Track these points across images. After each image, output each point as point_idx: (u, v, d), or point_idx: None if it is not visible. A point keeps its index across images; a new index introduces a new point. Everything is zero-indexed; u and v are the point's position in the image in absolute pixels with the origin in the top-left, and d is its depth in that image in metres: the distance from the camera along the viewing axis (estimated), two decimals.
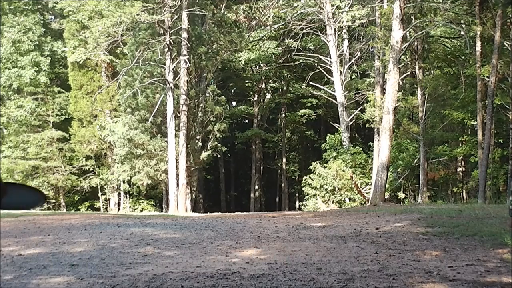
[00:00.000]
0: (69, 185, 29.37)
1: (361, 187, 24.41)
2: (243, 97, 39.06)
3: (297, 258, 7.09)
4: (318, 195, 24.93)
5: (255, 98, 36.54)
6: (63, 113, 30.48)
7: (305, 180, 25.94)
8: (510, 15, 20.76)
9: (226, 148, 30.79)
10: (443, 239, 8.32)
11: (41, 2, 31.46)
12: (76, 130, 28.94)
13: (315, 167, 25.39)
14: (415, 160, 24.18)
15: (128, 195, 29.66)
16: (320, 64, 30.08)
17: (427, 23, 21.75)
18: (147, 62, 24.77)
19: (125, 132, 24.98)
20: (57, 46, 30.96)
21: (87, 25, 25.79)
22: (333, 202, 24.63)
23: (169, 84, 24.17)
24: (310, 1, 30.24)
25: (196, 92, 27.20)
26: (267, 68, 35.22)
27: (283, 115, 36.94)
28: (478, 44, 20.54)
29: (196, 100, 27.27)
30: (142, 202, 29.40)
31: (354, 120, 29.19)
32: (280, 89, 37.83)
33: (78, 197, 30.08)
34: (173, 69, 24.47)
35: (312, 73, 30.51)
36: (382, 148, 19.31)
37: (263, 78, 36.12)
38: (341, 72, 28.27)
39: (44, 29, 30.20)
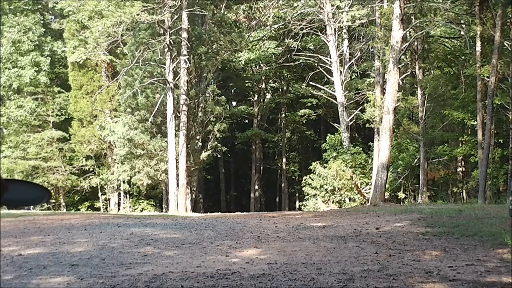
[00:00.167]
0: (69, 185, 29.37)
1: (361, 187, 24.41)
2: (243, 97, 39.06)
3: (297, 258, 7.09)
4: (318, 195, 24.93)
5: (255, 98, 36.54)
6: (63, 113, 30.49)
7: (305, 180, 25.94)
8: (510, 15, 20.76)
9: (226, 148, 30.78)
10: (443, 239, 8.32)
11: (41, 2, 31.46)
12: (76, 130, 28.94)
13: (315, 167, 25.39)
14: (415, 160, 24.17)
15: (128, 195, 29.66)
16: (320, 64, 30.08)
17: (427, 23, 21.75)
18: (147, 62, 24.77)
19: (125, 132, 24.98)
20: (57, 46, 30.97)
21: (87, 25, 25.78)
22: (333, 202, 24.63)
23: (169, 84, 24.17)
24: (310, 1, 30.24)
25: (196, 92, 27.19)
26: (267, 68, 35.22)
27: (283, 115, 36.94)
28: (478, 44, 20.54)
29: (196, 100, 27.27)
30: (142, 202, 29.41)
31: (354, 120, 29.19)
32: (280, 89, 37.83)
33: (78, 197, 30.08)
34: (173, 69, 24.47)
35: (312, 73, 30.52)
36: (382, 148, 19.31)
37: (263, 78, 36.12)
38: (341, 72, 28.27)
39: (44, 29, 30.20)
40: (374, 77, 27.49)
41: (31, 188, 1.64)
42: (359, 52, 29.08)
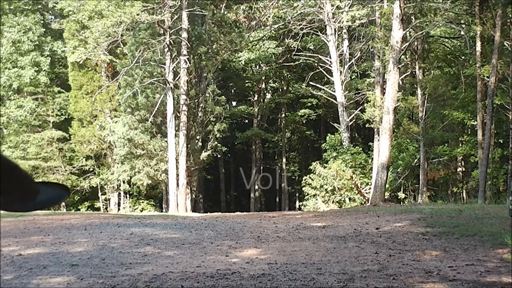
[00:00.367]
0: (69, 185, 29.33)
1: (361, 187, 24.41)
2: (243, 97, 39.06)
3: (297, 258, 7.09)
4: (318, 195, 24.93)
5: (255, 98, 36.54)
6: (63, 113, 30.49)
7: (305, 180, 25.94)
8: (510, 15, 20.76)
9: (226, 148, 30.79)
10: (443, 239, 8.32)
11: (41, 2, 31.47)
12: (76, 130, 28.95)
13: (315, 167, 25.39)
14: (415, 160, 24.17)
15: (128, 195, 29.66)
16: (320, 64, 30.09)
17: (427, 23, 21.75)
18: (147, 62, 24.77)
19: (125, 132, 24.98)
20: (57, 46, 30.97)
21: (87, 25, 25.79)
22: (333, 202, 24.63)
23: (169, 84, 24.18)
24: (310, 1, 30.24)
25: (196, 92, 27.20)
26: (267, 68, 35.22)
27: (283, 115, 36.94)
28: (478, 44, 20.54)
29: (196, 100, 27.27)
30: (142, 202, 29.41)
31: (354, 120, 29.20)
32: (280, 89, 37.83)
33: (78, 197, 30.06)
34: (173, 69, 24.47)
35: (312, 73, 30.52)
36: (382, 148, 19.32)
37: (263, 78, 36.12)
38: (341, 72, 28.27)
39: (44, 29, 30.21)
40: (374, 77, 27.49)
41: (50, 187, 1.65)
42: (359, 52, 29.08)
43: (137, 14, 22.47)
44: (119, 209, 29.07)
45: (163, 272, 6.32)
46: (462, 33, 23.68)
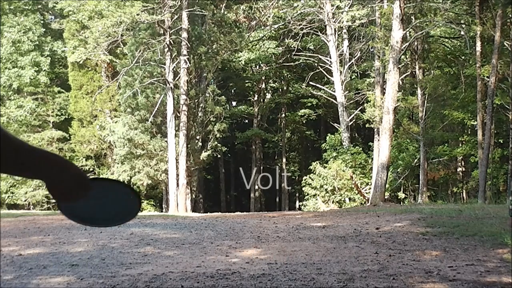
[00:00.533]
0: None
1: (361, 187, 24.41)
2: (243, 97, 39.05)
3: (297, 258, 7.09)
4: (318, 195, 24.93)
5: (255, 98, 36.54)
6: (63, 113, 30.49)
7: (305, 180, 25.94)
8: (510, 15, 20.77)
9: (226, 148, 30.78)
10: (443, 239, 8.32)
11: (41, 2, 31.47)
12: (76, 130, 28.94)
13: (315, 167, 25.39)
14: (415, 160, 24.18)
15: None
16: (320, 64, 30.09)
17: (427, 23, 21.76)
18: (147, 62, 24.77)
19: (125, 132, 24.98)
20: (57, 46, 30.97)
21: (87, 25, 25.79)
22: (333, 202, 24.63)
23: (169, 84, 24.18)
24: (310, 1, 30.24)
25: (196, 92, 27.19)
26: (267, 68, 35.22)
27: (283, 115, 36.94)
28: (478, 44, 20.54)
29: (196, 100, 27.27)
30: (142, 202, 29.37)
31: (354, 120, 29.20)
32: (280, 89, 37.82)
33: None
34: (173, 69, 24.47)
35: (312, 73, 30.51)
36: (382, 148, 19.32)
37: (263, 78, 36.11)
38: (341, 72, 28.27)
39: (44, 29, 30.22)
40: (374, 77, 27.50)
41: (121, 190, 1.40)
42: (359, 52, 29.09)
43: (137, 14, 22.47)
44: None
45: (163, 272, 6.32)
46: (462, 33, 23.69)
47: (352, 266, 6.42)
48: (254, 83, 36.28)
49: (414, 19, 22.49)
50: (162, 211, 26.91)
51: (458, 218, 10.84)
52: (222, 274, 6.11)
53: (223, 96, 29.07)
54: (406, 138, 24.81)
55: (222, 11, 27.78)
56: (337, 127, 29.00)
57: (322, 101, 33.01)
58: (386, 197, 20.35)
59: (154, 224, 11.86)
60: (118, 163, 26.45)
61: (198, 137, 27.17)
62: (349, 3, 27.93)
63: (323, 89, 30.54)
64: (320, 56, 29.89)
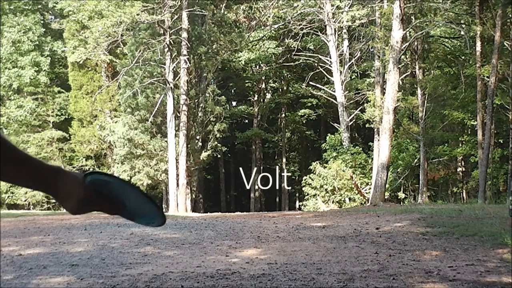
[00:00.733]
0: None
1: (361, 187, 24.41)
2: (243, 97, 39.05)
3: (297, 258, 7.09)
4: (318, 195, 24.93)
5: (255, 98, 36.54)
6: (63, 113, 30.49)
7: (305, 180, 25.94)
8: (510, 15, 20.77)
9: (226, 148, 30.78)
10: (443, 239, 8.32)
11: (41, 2, 31.47)
12: (76, 130, 28.94)
13: (315, 167, 25.39)
14: (415, 160, 24.18)
15: None
16: (320, 64, 30.09)
17: (427, 23, 21.76)
18: (147, 62, 24.77)
19: (125, 132, 24.98)
20: (57, 46, 30.97)
21: (87, 25, 25.79)
22: (333, 202, 24.63)
23: (169, 84, 24.18)
24: (310, 1, 30.24)
25: (196, 92, 27.19)
26: (267, 68, 35.22)
27: (283, 115, 36.94)
28: (478, 44, 20.54)
29: (196, 100, 27.26)
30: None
31: (354, 120, 29.19)
32: (280, 89, 37.82)
33: None
34: (173, 69, 24.47)
35: (312, 73, 30.51)
36: (382, 148, 19.32)
37: (263, 78, 36.11)
38: (341, 72, 28.27)
39: (44, 29, 30.21)
40: (374, 77, 27.50)
41: (145, 204, 1.44)
42: (359, 52, 29.08)
43: (137, 14, 22.47)
44: None
45: (163, 272, 6.32)
46: (462, 33, 23.69)
47: (352, 266, 6.42)
48: (254, 83, 36.28)
49: (414, 19, 22.48)
50: None
51: (458, 218, 10.84)
52: (222, 274, 6.11)
53: (223, 96, 29.07)
54: (406, 138, 24.81)
55: (222, 11, 27.78)
56: (337, 127, 28.99)
57: (322, 101, 33.00)
58: (386, 197, 20.35)
59: None
60: (118, 163, 26.45)
61: (198, 137, 27.17)
62: (349, 3, 27.93)
63: (323, 89, 30.54)
64: (320, 56, 29.89)
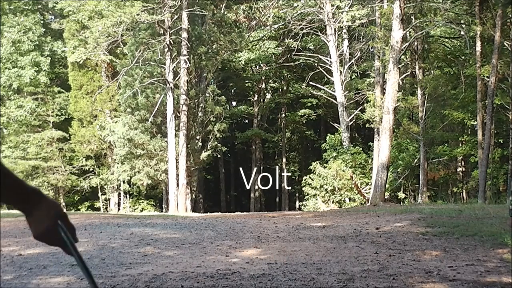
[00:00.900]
0: (69, 185, 29.37)
1: (361, 187, 24.41)
2: (243, 97, 39.05)
3: (297, 258, 7.09)
4: (318, 195, 24.93)
5: (255, 98, 36.55)
6: (63, 113, 30.48)
7: (305, 180, 25.94)
8: (510, 15, 20.76)
9: (226, 148, 30.78)
10: (443, 239, 8.32)
11: (41, 2, 31.46)
12: (76, 130, 28.94)
13: (315, 167, 25.39)
14: (415, 160, 24.18)
15: (128, 195, 29.65)
16: (320, 64, 30.09)
17: (427, 23, 21.75)
18: (147, 62, 24.77)
19: (125, 132, 24.98)
20: (57, 46, 30.96)
21: (87, 25, 25.79)
22: (333, 202, 24.64)
23: (169, 84, 24.18)
24: (310, 1, 30.24)
25: (196, 92, 27.20)
26: (267, 68, 35.22)
27: (283, 115, 36.94)
28: (478, 44, 20.54)
29: (196, 100, 27.27)
30: (142, 202, 29.39)
31: (354, 120, 29.20)
32: (280, 89, 37.83)
33: (78, 197, 30.07)
34: (173, 69, 24.47)
35: (312, 73, 30.52)
36: (382, 148, 19.31)
37: (263, 78, 36.12)
38: (341, 72, 28.27)
39: (44, 29, 30.20)
40: (374, 77, 27.50)
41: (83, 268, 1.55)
42: (359, 52, 29.08)
43: (137, 14, 22.47)
44: (119, 209, 29.06)
45: (163, 272, 6.32)
46: (462, 33, 23.69)
47: (352, 266, 6.42)
48: (254, 83, 36.29)
49: (414, 19, 22.48)
50: (162, 211, 26.92)
51: (458, 218, 10.84)
52: (222, 274, 6.11)
53: (223, 96, 29.07)
54: (406, 138, 24.81)
55: (222, 11, 27.78)
56: (337, 127, 29.00)
57: (322, 101, 33.01)
58: (386, 197, 20.35)
59: (154, 224, 11.85)
60: (118, 163, 26.46)
61: (198, 137, 27.17)
62: (349, 3, 27.93)
63: (323, 89, 30.54)
64: (320, 56, 29.89)
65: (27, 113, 28.75)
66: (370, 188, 22.66)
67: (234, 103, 39.13)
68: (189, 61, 24.77)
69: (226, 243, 8.64)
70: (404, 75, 25.20)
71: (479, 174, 19.83)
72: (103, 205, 29.84)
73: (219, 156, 34.00)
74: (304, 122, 36.46)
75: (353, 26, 28.33)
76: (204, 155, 26.89)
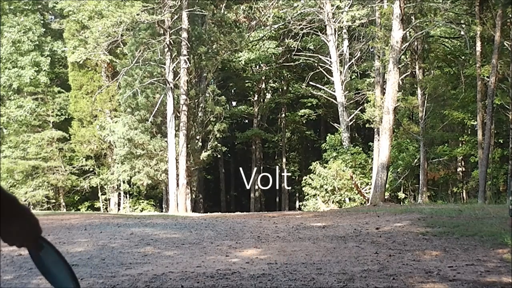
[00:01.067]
0: (69, 185, 29.36)
1: (361, 187, 24.40)
2: (243, 97, 39.05)
3: (297, 258, 7.09)
4: (318, 195, 24.93)
5: (255, 98, 36.55)
6: (63, 113, 30.47)
7: (305, 180, 25.94)
8: (510, 15, 20.76)
9: (226, 148, 30.77)
10: (443, 239, 8.32)
11: (41, 2, 31.45)
12: (76, 130, 28.93)
13: (315, 167, 25.38)
14: (415, 160, 24.17)
15: (128, 195, 29.65)
16: (320, 64, 30.08)
17: (427, 23, 21.75)
18: (147, 62, 24.77)
19: (125, 132, 24.98)
20: (57, 46, 30.95)
21: (87, 25, 25.77)
22: (333, 202, 24.63)
23: (169, 84, 24.18)
24: (310, 1, 30.24)
25: (196, 92, 27.20)
26: (267, 68, 35.22)
27: (283, 115, 36.94)
28: (478, 44, 20.54)
29: (196, 100, 27.27)
30: (142, 202, 29.40)
31: (354, 120, 29.19)
32: (280, 89, 37.83)
33: (78, 197, 30.06)
34: (173, 69, 24.47)
35: (312, 73, 30.51)
36: (382, 148, 19.31)
37: (263, 78, 36.12)
38: (341, 72, 28.27)
39: (44, 29, 30.18)
40: (374, 77, 27.49)
41: (63, 266, 1.58)
42: (359, 52, 29.08)
43: (137, 14, 22.46)
44: (119, 209, 29.06)
45: (163, 272, 6.32)
46: (462, 33, 23.68)
47: (352, 266, 6.42)
48: (254, 83, 36.29)
49: (414, 19, 22.48)
50: (162, 211, 26.91)
51: (458, 218, 10.83)
52: (222, 274, 6.11)
53: (223, 96, 29.06)
54: (406, 138, 24.81)
55: (222, 11, 27.78)
56: (337, 127, 28.99)
57: (322, 101, 33.01)
58: (386, 197, 20.34)
59: (154, 224, 11.85)
60: (118, 163, 26.46)
61: (198, 137, 27.17)
62: (349, 3, 27.92)
63: (323, 89, 30.54)
64: (320, 56, 29.88)
65: (27, 113, 28.74)
66: (370, 188, 22.66)
67: (234, 103, 39.12)
68: (189, 61, 24.77)
69: (226, 243, 8.64)
70: (404, 75, 25.19)
71: (479, 174, 19.83)
72: (103, 205, 29.84)
73: (219, 156, 33.99)
74: (304, 122, 36.46)
75: (353, 26, 28.33)
76: (204, 155, 26.89)
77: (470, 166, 25.75)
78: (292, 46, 30.77)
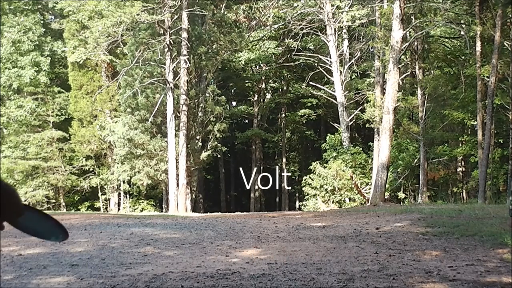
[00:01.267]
0: (69, 185, 29.36)
1: (361, 187, 24.40)
2: (243, 97, 39.06)
3: (297, 258, 7.09)
4: (318, 195, 24.93)
5: (255, 98, 36.55)
6: (63, 113, 30.47)
7: (305, 180, 25.94)
8: (510, 15, 20.76)
9: (226, 148, 30.78)
10: (443, 239, 8.32)
11: (41, 2, 31.45)
12: (76, 130, 28.94)
13: (315, 167, 25.39)
14: (415, 160, 24.17)
15: (128, 195, 29.65)
16: (320, 64, 30.09)
17: (427, 23, 21.75)
18: (147, 62, 24.77)
19: (125, 132, 24.98)
20: (57, 46, 30.95)
21: (87, 25, 25.76)
22: (333, 202, 24.63)
23: (169, 84, 24.18)
24: (310, 1, 30.24)
25: (196, 92, 27.20)
26: (267, 68, 35.22)
27: (283, 115, 36.95)
28: (478, 44, 20.54)
29: (196, 100, 27.27)
30: (142, 202, 29.40)
31: (354, 120, 29.19)
32: (280, 89, 37.83)
33: (78, 197, 30.06)
34: (173, 69, 24.47)
35: (312, 73, 30.52)
36: (382, 148, 19.31)
37: (263, 78, 36.12)
38: (341, 72, 28.27)
39: (44, 29, 30.18)
40: (374, 77, 27.49)
41: (48, 222, 1.65)
42: (359, 52, 29.08)
43: (137, 14, 22.46)
44: (119, 209, 29.06)
45: (163, 272, 6.32)
46: (462, 33, 23.68)
47: (352, 266, 6.42)
48: (254, 83, 36.29)
49: (414, 19, 22.47)
50: (162, 211, 26.92)
51: (458, 218, 10.83)
52: (222, 274, 6.11)
53: (223, 96, 29.07)
54: (406, 138, 24.81)
55: (222, 11, 27.78)
56: (337, 127, 29.00)
57: (322, 101, 33.01)
58: (386, 197, 20.34)
59: (154, 224, 11.85)
60: (118, 163, 26.46)
61: (198, 137, 27.18)
62: (349, 3, 27.93)
63: (323, 89, 30.54)
64: (320, 56, 29.89)
65: (27, 113, 28.74)
66: (370, 188, 22.66)
67: (234, 103, 39.13)
68: (189, 61, 24.77)
69: (226, 243, 8.64)
70: (404, 75, 25.19)
71: (479, 174, 19.83)
72: (103, 205, 29.84)
73: (219, 156, 34.00)
74: (304, 122, 36.47)
75: (353, 26, 28.34)
76: (204, 155, 26.90)
77: (470, 166, 25.76)
78: (292, 46, 30.78)
